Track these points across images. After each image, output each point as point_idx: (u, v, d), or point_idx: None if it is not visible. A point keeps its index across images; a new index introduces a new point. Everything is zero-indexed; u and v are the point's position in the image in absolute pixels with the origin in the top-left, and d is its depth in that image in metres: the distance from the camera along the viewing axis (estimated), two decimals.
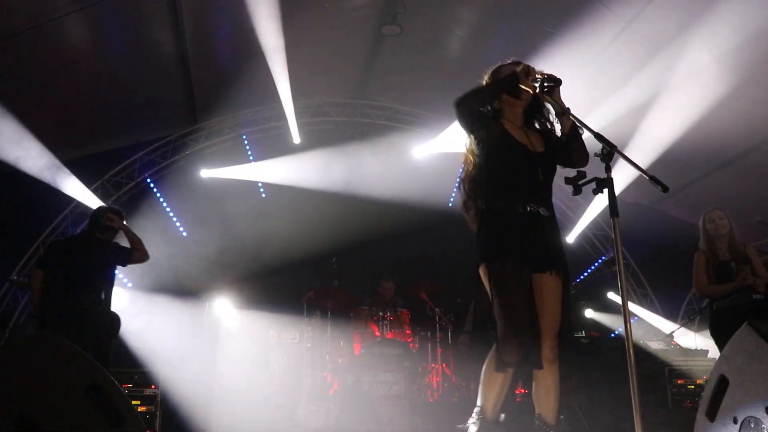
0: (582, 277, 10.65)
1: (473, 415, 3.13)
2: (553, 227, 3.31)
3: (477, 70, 3.47)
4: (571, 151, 3.30)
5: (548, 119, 3.44)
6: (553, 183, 3.41)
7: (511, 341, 3.05)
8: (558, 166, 3.43)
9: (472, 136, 3.40)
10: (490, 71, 3.50)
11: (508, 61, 3.49)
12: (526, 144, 3.31)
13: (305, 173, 9.92)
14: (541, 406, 3.16)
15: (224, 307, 8.19)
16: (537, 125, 3.46)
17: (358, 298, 8.21)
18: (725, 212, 5.61)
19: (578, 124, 3.17)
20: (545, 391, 3.17)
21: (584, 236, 10.59)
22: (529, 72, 3.27)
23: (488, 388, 3.15)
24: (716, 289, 5.39)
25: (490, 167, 3.33)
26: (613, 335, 9.29)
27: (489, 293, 3.20)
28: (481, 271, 3.25)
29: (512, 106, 3.39)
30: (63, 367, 2.35)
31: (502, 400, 3.17)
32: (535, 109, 3.42)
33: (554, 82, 3.23)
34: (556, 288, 3.22)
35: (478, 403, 3.14)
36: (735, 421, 2.29)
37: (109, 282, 5.82)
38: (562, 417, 3.17)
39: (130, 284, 9.11)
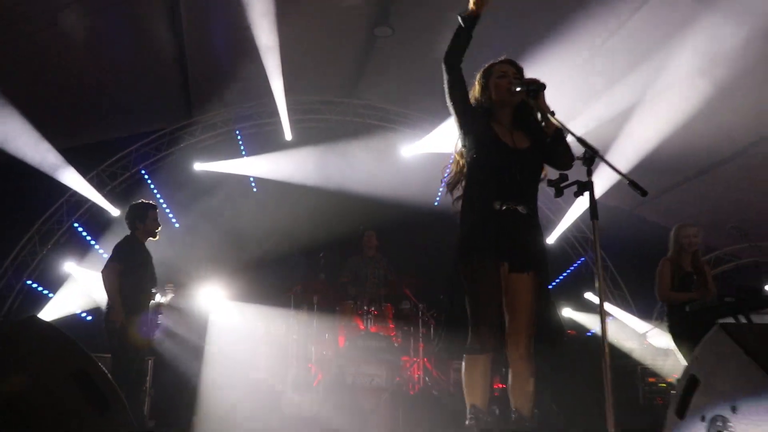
0: (561, 277, 10.69)
1: (468, 414, 3.12)
2: (532, 226, 3.29)
3: (467, 72, 3.47)
4: (556, 153, 3.30)
5: (536, 120, 3.43)
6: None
7: (480, 329, 3.08)
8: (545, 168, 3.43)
9: (460, 130, 3.41)
10: (482, 69, 3.50)
11: (500, 59, 3.49)
12: (508, 141, 3.31)
13: (296, 169, 9.92)
14: (517, 401, 3.17)
15: (213, 299, 8.16)
16: (525, 126, 3.44)
17: (344, 292, 8.19)
18: (699, 229, 5.81)
19: (562, 128, 3.17)
20: (521, 386, 3.18)
21: (564, 238, 10.62)
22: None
23: (471, 383, 3.15)
24: (677, 296, 5.57)
25: (472, 164, 3.34)
26: (589, 334, 9.33)
27: (463, 288, 3.22)
28: (456, 267, 3.26)
29: (501, 107, 3.39)
30: (50, 352, 2.32)
31: (488, 392, 3.17)
32: (523, 110, 3.41)
33: (539, 87, 3.23)
34: (532, 288, 3.21)
35: (468, 402, 3.13)
36: (703, 419, 2.29)
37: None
38: (536, 411, 3.17)
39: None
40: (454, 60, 3.35)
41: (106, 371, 2.55)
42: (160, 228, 5.99)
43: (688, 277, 5.60)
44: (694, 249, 5.71)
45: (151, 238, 5.94)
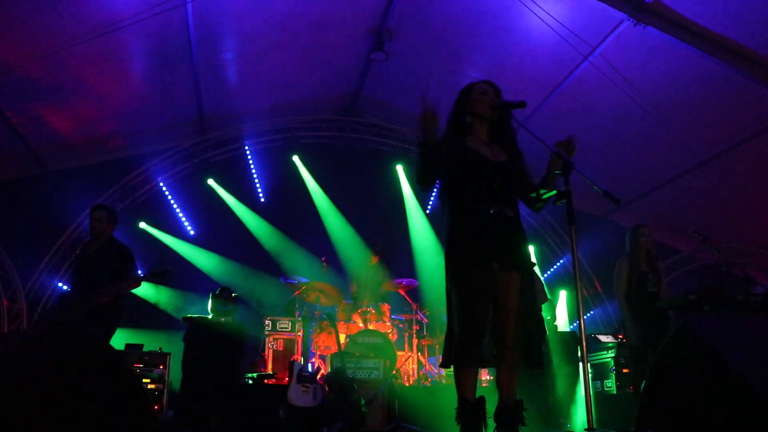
0: (543, 278, 10.70)
1: (458, 406, 3.11)
2: (517, 229, 3.30)
3: (453, 91, 3.49)
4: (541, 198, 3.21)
5: (511, 134, 3.45)
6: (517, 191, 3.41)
7: (472, 337, 3.06)
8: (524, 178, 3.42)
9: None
10: (463, 88, 3.51)
11: (479, 82, 3.50)
12: (487, 155, 3.31)
13: (300, 180, 9.95)
14: (503, 391, 3.17)
15: (226, 299, 8.15)
16: (501, 140, 3.45)
17: (344, 292, 8.19)
18: (651, 228, 5.73)
19: (543, 144, 3.18)
20: (507, 378, 3.18)
21: (544, 241, 10.67)
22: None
23: (462, 381, 3.14)
24: (623, 310, 5.53)
25: (456, 180, 3.33)
26: (570, 329, 9.33)
27: (453, 292, 3.20)
28: (449, 273, 3.23)
29: (480, 122, 3.41)
30: (81, 348, 2.32)
31: (476, 385, 3.17)
32: (499, 125, 3.43)
33: (522, 105, 3.26)
34: (515, 288, 3.19)
35: (459, 395, 3.12)
36: (671, 404, 2.31)
37: None
38: (520, 399, 3.18)
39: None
40: (428, 183, 3.32)
41: (129, 365, 2.56)
42: (96, 226, 5.47)
43: (644, 277, 5.53)
44: (649, 247, 5.64)
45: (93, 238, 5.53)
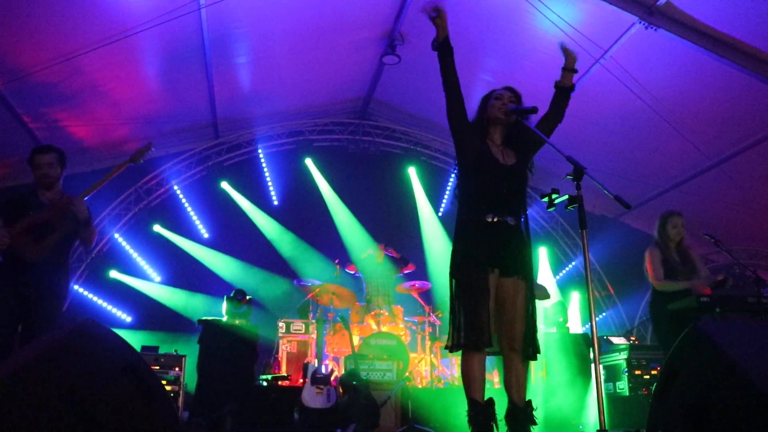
0: (556, 280, 10.71)
1: (468, 407, 3.16)
2: (520, 236, 3.37)
3: (465, 94, 3.55)
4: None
5: (524, 138, 3.52)
6: (528, 196, 3.48)
7: (474, 329, 3.13)
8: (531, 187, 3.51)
9: (456, 146, 3.52)
10: (483, 96, 3.59)
11: (500, 87, 3.58)
12: (498, 158, 3.39)
13: (313, 183, 10.01)
14: (512, 392, 3.22)
15: (240, 300, 8.23)
16: (515, 144, 3.52)
17: (358, 294, 8.24)
18: (684, 218, 5.39)
19: (555, 150, 3.23)
20: (516, 379, 3.23)
21: (556, 243, 10.68)
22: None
23: (469, 379, 3.19)
24: (672, 285, 5.17)
25: (466, 178, 3.42)
26: (583, 331, 9.34)
27: (457, 295, 3.27)
28: (452, 275, 3.33)
29: (494, 126, 3.48)
30: (105, 350, 2.39)
31: (484, 385, 3.22)
32: (514, 130, 3.49)
33: (532, 110, 3.33)
34: (520, 292, 3.28)
35: (468, 396, 3.18)
36: (682, 406, 2.34)
37: None
38: (529, 399, 3.23)
39: (158, 278, 9.16)
40: (448, 83, 3.46)
41: (149, 367, 2.62)
42: (46, 173, 4.52)
43: (675, 267, 5.26)
44: (680, 238, 5.33)
45: (44, 189, 4.56)
